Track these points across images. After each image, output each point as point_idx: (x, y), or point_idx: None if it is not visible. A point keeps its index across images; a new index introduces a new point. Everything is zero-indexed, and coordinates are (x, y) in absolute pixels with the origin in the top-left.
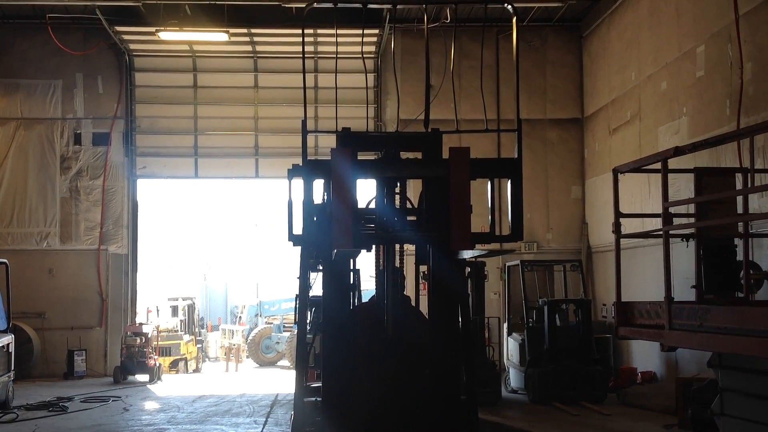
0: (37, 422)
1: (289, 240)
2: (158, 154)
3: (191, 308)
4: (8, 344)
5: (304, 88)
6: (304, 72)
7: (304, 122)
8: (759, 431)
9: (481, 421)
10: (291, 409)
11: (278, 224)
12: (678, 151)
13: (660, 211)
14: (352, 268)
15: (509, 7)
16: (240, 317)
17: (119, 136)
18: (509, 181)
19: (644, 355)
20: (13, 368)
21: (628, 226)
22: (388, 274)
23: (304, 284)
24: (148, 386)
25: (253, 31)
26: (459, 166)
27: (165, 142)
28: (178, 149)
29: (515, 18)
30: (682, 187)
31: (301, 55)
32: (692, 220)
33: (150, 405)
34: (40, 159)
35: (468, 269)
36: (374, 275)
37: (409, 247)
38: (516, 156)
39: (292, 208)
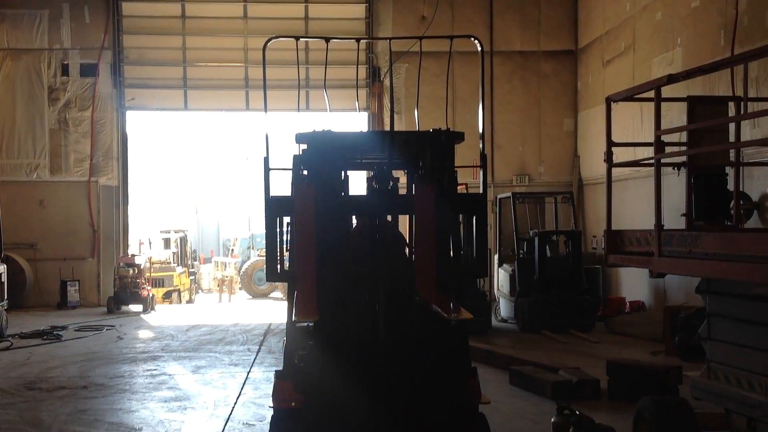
0: (32, 350)
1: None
2: (147, 85)
3: (183, 241)
4: (1, 274)
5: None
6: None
7: (266, 159)
8: (744, 354)
9: (471, 348)
10: (283, 338)
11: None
12: (671, 79)
13: (652, 140)
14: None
15: (476, 42)
16: (232, 250)
17: (107, 68)
18: (474, 217)
19: (633, 285)
20: (6, 298)
21: (619, 157)
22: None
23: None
24: (142, 316)
25: None
26: (424, 206)
27: (154, 73)
28: (168, 81)
29: (482, 51)
30: (675, 119)
31: None
32: (684, 149)
33: (144, 334)
34: (28, 90)
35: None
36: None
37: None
38: (481, 191)
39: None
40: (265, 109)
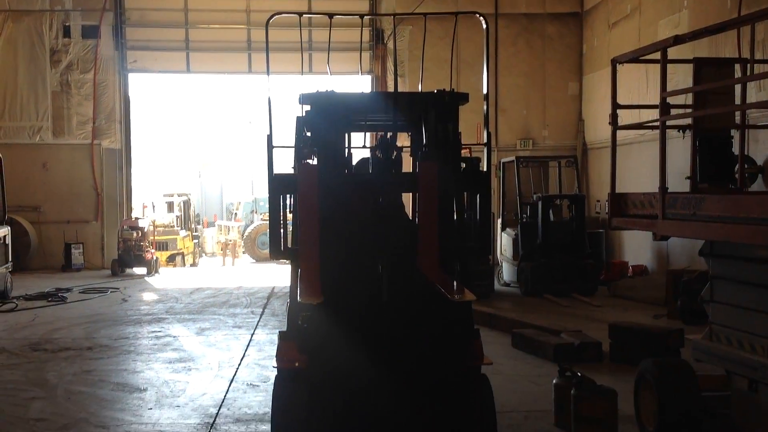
0: (37, 312)
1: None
2: (149, 47)
3: (187, 204)
4: (5, 236)
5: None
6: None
7: (269, 137)
8: (746, 316)
9: (474, 312)
10: (287, 300)
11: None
12: (678, 40)
13: (657, 103)
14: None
15: (481, 19)
16: (236, 214)
17: (109, 29)
18: (478, 195)
19: (636, 249)
20: (10, 260)
21: (625, 120)
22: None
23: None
24: (146, 279)
25: None
26: (427, 185)
27: (156, 35)
28: (170, 43)
29: (486, 29)
30: (680, 82)
31: None
32: (690, 111)
33: (148, 296)
34: (30, 52)
35: (463, 164)
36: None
37: (405, 143)
38: (485, 169)
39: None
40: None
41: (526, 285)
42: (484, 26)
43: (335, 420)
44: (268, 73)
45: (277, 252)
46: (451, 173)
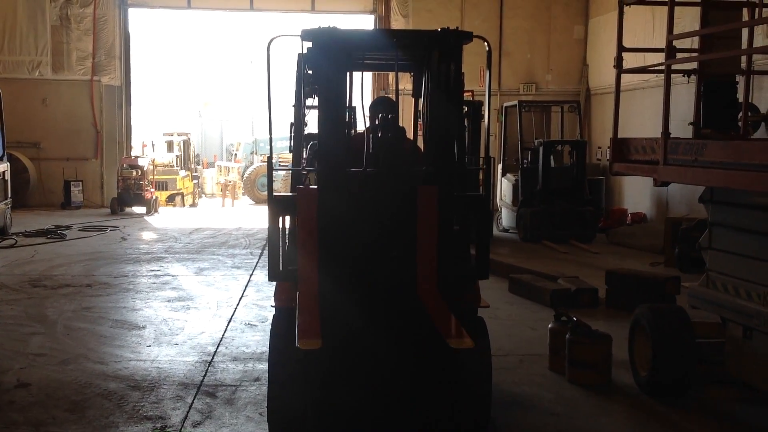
0: (36, 248)
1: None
2: None
3: (187, 144)
4: (4, 172)
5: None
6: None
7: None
8: (743, 264)
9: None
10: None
11: (273, 62)
12: None
13: (663, 46)
14: (348, 105)
15: (485, 44)
16: (235, 155)
17: None
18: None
19: (635, 197)
20: (10, 196)
21: (630, 65)
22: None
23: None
24: (146, 218)
25: None
26: (426, 211)
27: None
28: None
29: (489, 51)
30: (687, 26)
31: None
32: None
33: (147, 235)
34: None
35: (465, 108)
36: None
37: (407, 86)
38: (483, 192)
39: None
40: (269, 114)
41: (525, 231)
42: (487, 49)
43: (332, 358)
44: (269, 96)
45: (276, 274)
46: (452, 197)
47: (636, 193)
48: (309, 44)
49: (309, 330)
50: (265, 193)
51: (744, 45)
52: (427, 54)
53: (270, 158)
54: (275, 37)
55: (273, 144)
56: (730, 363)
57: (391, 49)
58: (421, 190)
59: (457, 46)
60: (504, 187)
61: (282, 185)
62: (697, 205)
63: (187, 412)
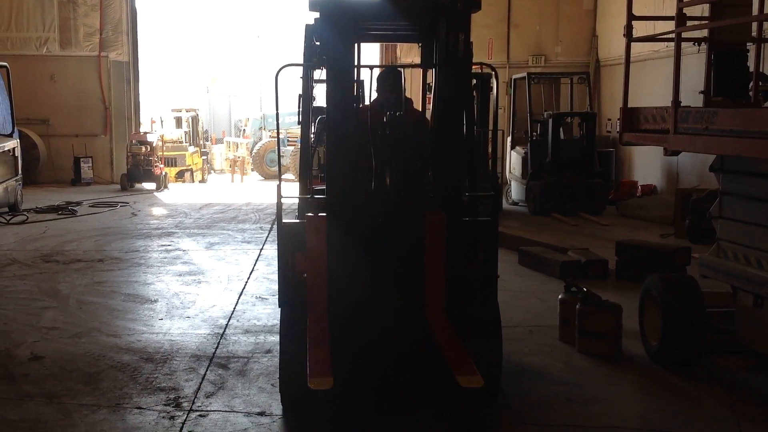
0: (47, 224)
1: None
2: None
3: (195, 120)
4: (14, 148)
5: None
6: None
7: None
8: (754, 232)
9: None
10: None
11: (281, 36)
12: None
13: (674, 14)
14: (356, 79)
15: (492, 73)
16: (244, 130)
17: None
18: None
19: (645, 168)
20: (20, 173)
21: (640, 34)
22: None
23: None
24: (155, 194)
25: None
26: (434, 238)
27: None
28: None
29: (496, 75)
30: None
31: None
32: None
33: (157, 211)
34: None
35: (474, 81)
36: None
37: (416, 59)
38: (491, 218)
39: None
40: (278, 129)
41: (535, 204)
42: (495, 80)
43: (343, 327)
44: (277, 117)
45: (285, 300)
46: (459, 225)
47: (646, 165)
48: (317, 15)
49: (320, 368)
50: (274, 168)
51: (755, 12)
52: (435, 23)
53: (278, 187)
54: (283, 67)
55: (284, 119)
56: (741, 332)
57: (399, 17)
58: (429, 216)
59: (465, 15)
60: (513, 159)
61: (291, 160)
62: (708, 177)
63: (200, 384)
